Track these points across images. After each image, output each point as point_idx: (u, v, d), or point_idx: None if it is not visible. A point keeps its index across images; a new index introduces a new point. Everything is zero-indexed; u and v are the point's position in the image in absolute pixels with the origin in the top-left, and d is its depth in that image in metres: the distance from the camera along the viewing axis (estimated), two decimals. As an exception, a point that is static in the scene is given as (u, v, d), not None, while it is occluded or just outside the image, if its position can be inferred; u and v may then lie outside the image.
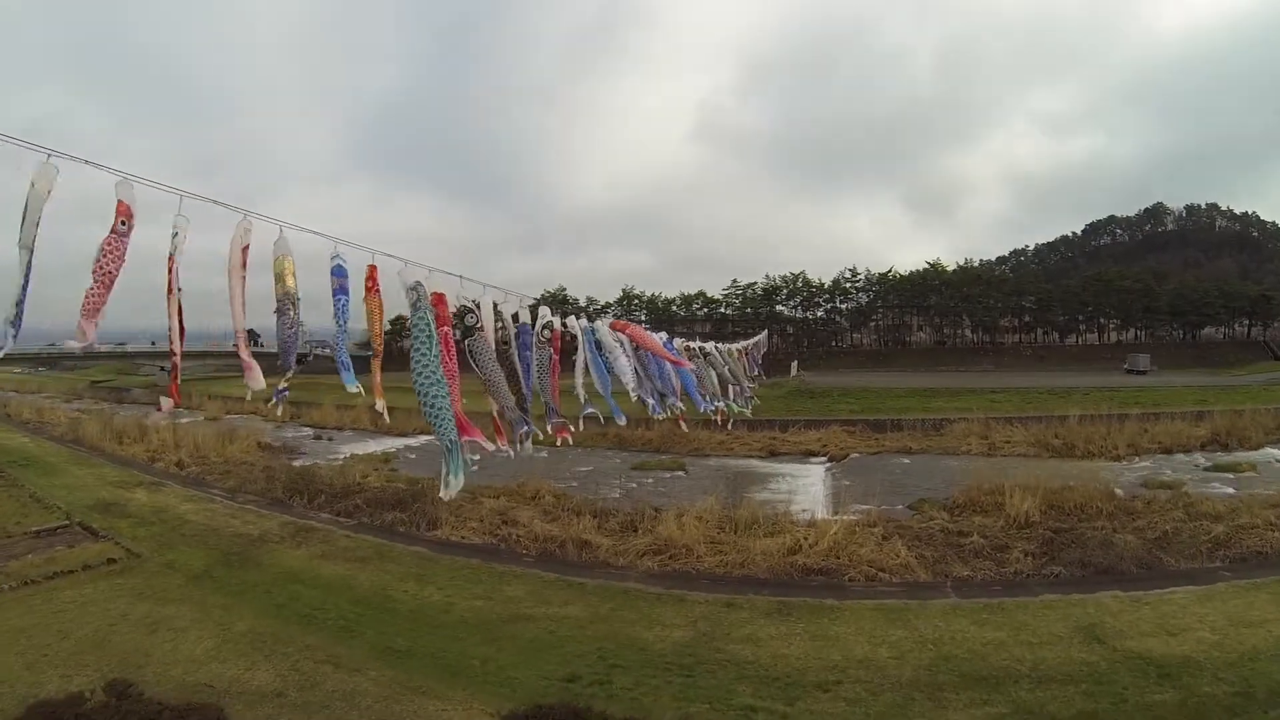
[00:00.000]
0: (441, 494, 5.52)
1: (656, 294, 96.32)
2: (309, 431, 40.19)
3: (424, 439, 36.51)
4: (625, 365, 8.21)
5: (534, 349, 6.90)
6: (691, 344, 13.12)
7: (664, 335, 10.99)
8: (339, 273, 5.31)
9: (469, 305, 6.05)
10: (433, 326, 5.28)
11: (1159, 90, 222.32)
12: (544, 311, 7.11)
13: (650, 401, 9.08)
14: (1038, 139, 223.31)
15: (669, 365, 9.62)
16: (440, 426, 5.34)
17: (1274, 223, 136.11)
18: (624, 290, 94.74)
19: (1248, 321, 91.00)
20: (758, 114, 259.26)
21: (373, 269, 5.44)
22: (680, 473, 26.50)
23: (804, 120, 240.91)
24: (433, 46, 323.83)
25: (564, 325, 7.53)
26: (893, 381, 52.09)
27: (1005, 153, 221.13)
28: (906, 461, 27.05)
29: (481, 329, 6.17)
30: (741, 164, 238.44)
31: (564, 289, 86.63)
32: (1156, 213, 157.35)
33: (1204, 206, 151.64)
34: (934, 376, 59.64)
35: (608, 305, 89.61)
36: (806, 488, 23.23)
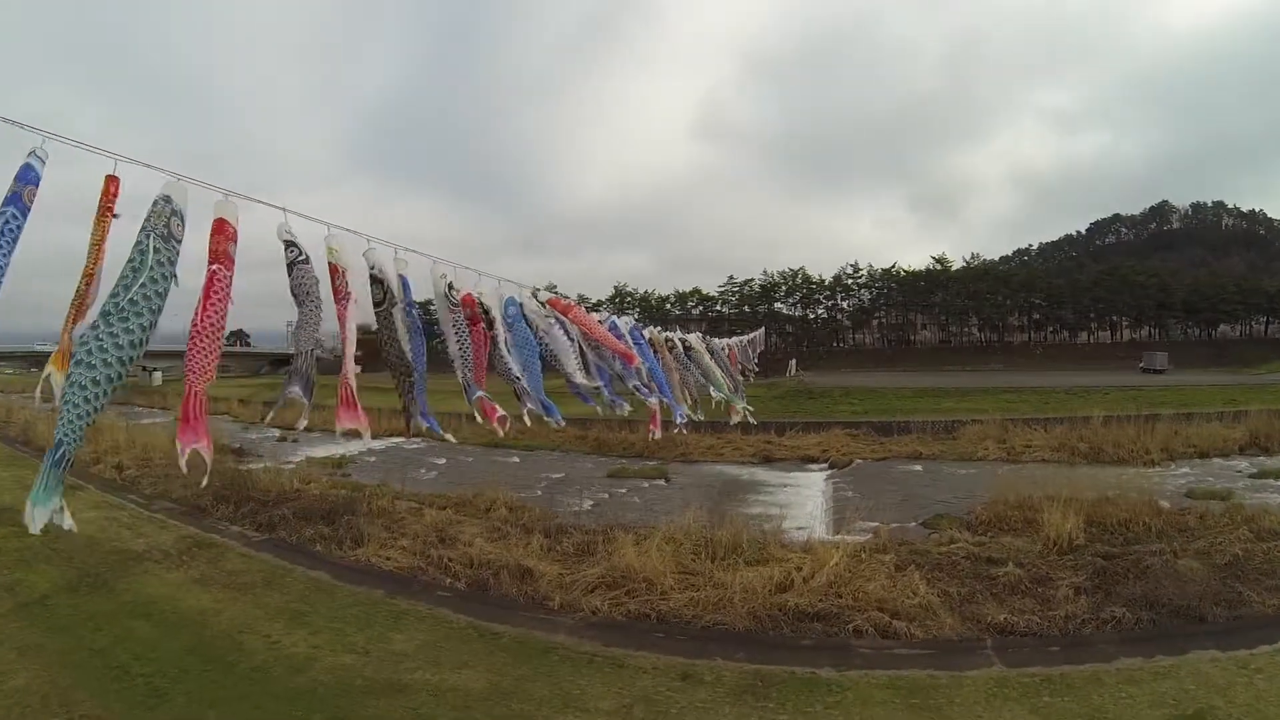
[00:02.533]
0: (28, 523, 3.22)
1: (650, 291, 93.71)
2: (275, 433, 37.85)
3: (393, 441, 34.70)
4: (567, 349, 6.99)
5: (449, 319, 6.01)
6: (669, 334, 11.00)
7: (630, 320, 8.88)
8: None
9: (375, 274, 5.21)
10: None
11: (1167, 86, 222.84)
12: (439, 271, 5.99)
13: (608, 396, 7.72)
14: (1044, 136, 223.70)
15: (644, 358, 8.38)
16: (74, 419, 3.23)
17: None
18: (616, 288, 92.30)
19: (1265, 319, 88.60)
20: (760, 111, 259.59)
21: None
22: (661, 481, 23.86)
23: (806, 118, 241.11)
24: (433, 46, 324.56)
25: (479, 298, 6.17)
26: (897, 381, 49.34)
27: (1011, 151, 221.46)
28: (917, 469, 24.33)
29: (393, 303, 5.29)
30: (743, 163, 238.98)
31: (554, 286, 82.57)
32: (1162, 211, 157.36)
33: (1210, 205, 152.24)
34: (941, 376, 57.05)
35: (600, 303, 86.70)
36: (803, 500, 20.54)
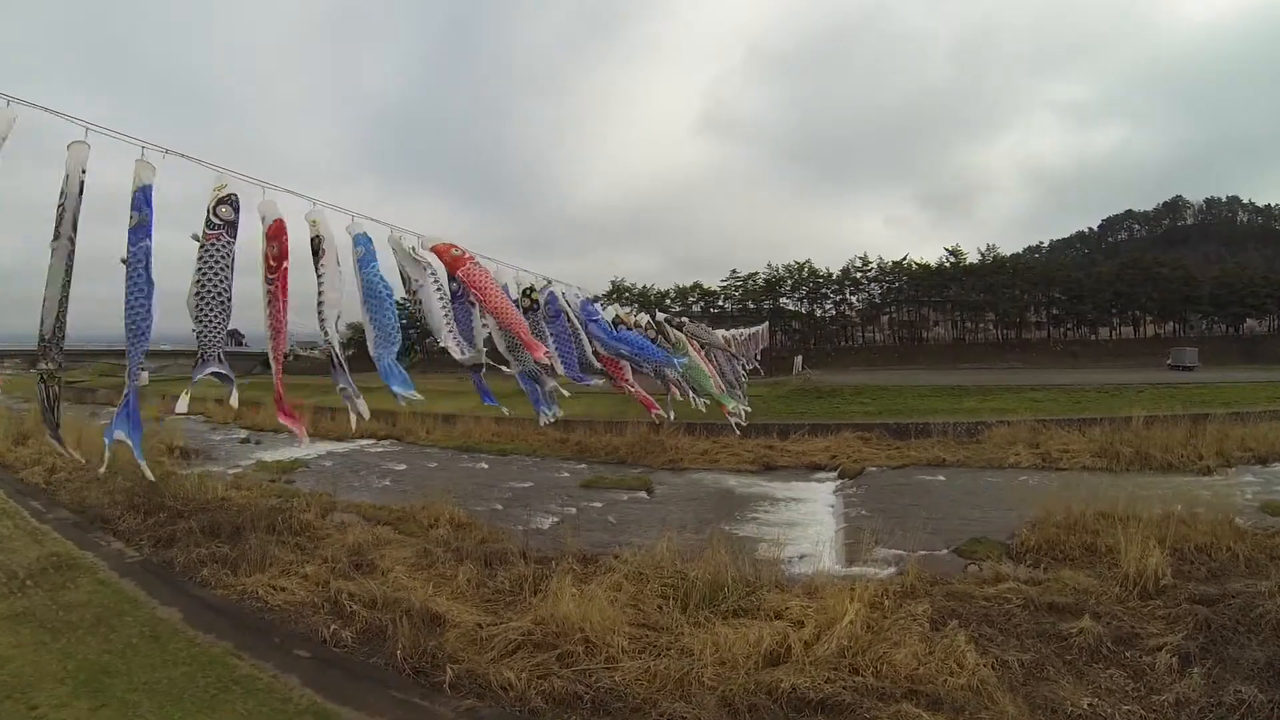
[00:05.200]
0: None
1: (649, 285, 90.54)
2: (242, 434, 37.14)
3: (359, 444, 33.40)
4: (435, 304, 5.40)
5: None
6: (638, 316, 9.17)
7: (579, 291, 7.58)
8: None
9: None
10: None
11: (1183, 79, 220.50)
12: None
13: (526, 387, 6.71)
14: (1057, 131, 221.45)
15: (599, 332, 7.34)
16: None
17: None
18: (613, 283, 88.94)
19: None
20: (767, 107, 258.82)
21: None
22: (643, 493, 20.94)
23: (814, 114, 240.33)
24: (437, 44, 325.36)
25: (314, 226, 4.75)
26: (911, 379, 46.23)
27: (1023, 146, 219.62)
28: (940, 478, 21.31)
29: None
30: (750, 161, 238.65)
31: (597, 296, 78.67)
32: (1175, 207, 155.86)
33: (1225, 200, 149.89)
34: (957, 374, 53.96)
35: (596, 299, 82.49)
36: (808, 518, 17.57)
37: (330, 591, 10.87)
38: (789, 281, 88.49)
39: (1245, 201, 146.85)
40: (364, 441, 34.13)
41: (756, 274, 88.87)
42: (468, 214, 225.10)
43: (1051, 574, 11.19)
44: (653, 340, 8.98)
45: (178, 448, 29.31)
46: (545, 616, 9.00)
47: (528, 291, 6.70)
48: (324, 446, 32.07)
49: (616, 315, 8.61)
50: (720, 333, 14.99)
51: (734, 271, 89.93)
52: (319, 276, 4.72)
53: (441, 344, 5.42)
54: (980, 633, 8.51)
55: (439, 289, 5.40)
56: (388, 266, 5.25)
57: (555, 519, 17.87)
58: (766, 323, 42.14)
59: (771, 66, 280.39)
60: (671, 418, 9.54)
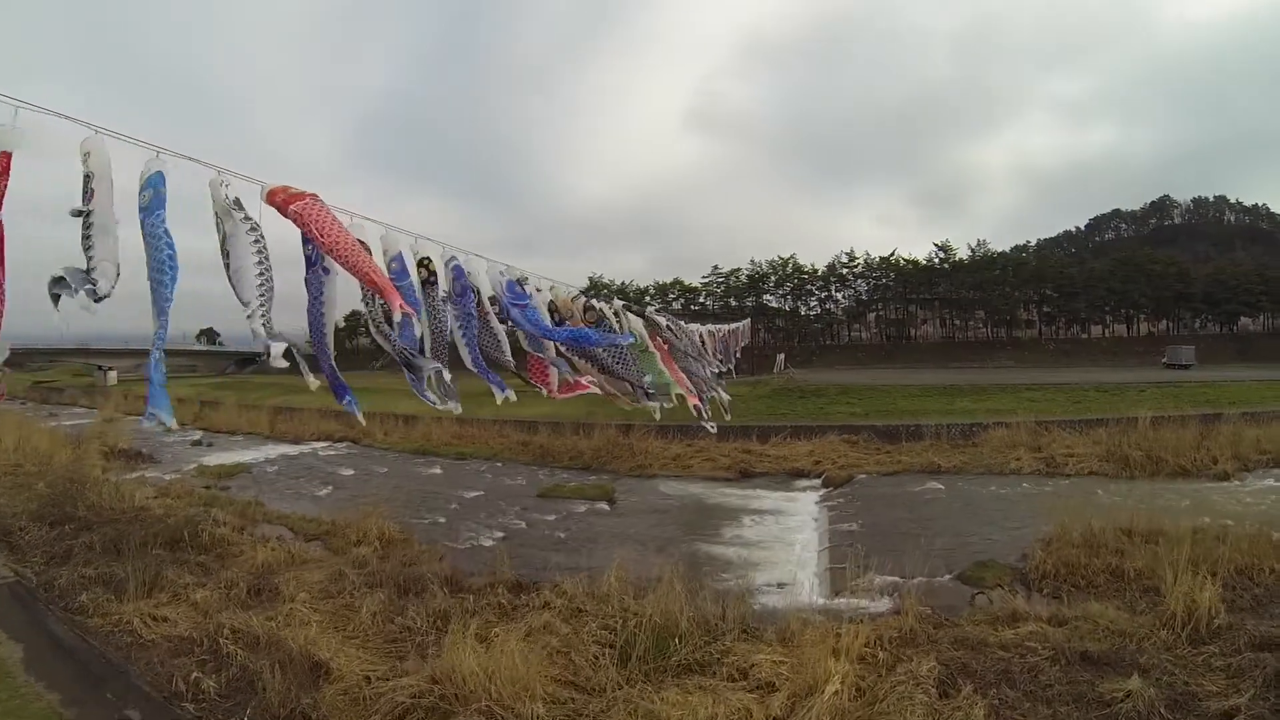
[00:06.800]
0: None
1: (628, 281, 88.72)
2: (197, 435, 36.07)
3: (312, 447, 32.31)
4: (248, 262, 4.23)
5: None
6: (578, 299, 7.95)
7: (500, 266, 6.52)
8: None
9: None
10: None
11: (1177, 78, 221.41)
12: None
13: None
14: (1051, 129, 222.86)
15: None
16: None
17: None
18: (591, 279, 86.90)
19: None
20: (760, 105, 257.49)
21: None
22: (603, 504, 19.11)
23: (807, 111, 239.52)
24: (427, 42, 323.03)
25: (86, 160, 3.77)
26: (900, 378, 44.67)
27: (1018, 145, 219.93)
28: (937, 486, 19.52)
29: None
30: (742, 160, 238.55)
31: (526, 277, 76.97)
32: (1163, 206, 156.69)
33: (1212, 199, 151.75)
34: (947, 373, 52.57)
35: (523, 280, 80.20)
36: (788, 535, 15.80)
37: (210, 628, 9.15)
38: (773, 278, 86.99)
39: (1233, 201, 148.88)
40: (319, 444, 32.86)
41: (739, 270, 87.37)
42: (458, 213, 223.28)
43: (1077, 609, 9.46)
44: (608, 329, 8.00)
45: (121, 450, 28.13)
46: (445, 672, 7.18)
47: (424, 262, 5.62)
48: (276, 449, 31.09)
49: (552, 301, 7.53)
50: (695, 327, 13.60)
51: (716, 267, 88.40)
52: (85, 227, 3.71)
53: (249, 321, 4.13)
54: (1001, 698, 6.77)
55: (257, 245, 4.21)
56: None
57: (500, 534, 16.16)
58: (749, 319, 40.51)
59: (766, 62, 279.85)
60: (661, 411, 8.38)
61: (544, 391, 7.10)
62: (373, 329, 5.08)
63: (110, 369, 72.63)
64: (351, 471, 25.82)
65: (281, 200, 4.26)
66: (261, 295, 4.14)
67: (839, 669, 6.86)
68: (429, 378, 5.30)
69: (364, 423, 5.92)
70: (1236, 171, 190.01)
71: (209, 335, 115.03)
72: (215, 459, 28.17)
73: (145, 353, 3.81)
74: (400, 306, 4.43)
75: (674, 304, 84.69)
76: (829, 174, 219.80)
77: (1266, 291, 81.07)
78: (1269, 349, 69.26)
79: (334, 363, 5.00)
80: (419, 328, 5.23)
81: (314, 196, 4.34)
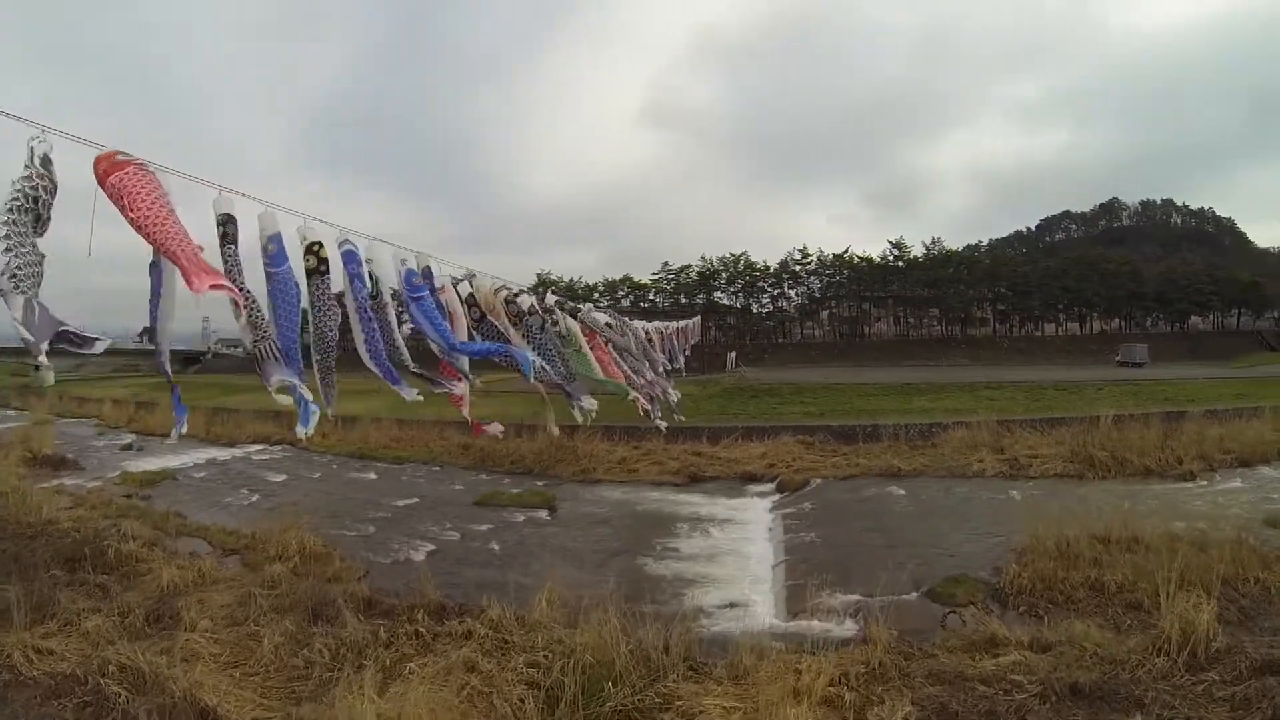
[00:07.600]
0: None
1: (577, 278, 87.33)
2: (128, 439, 34.07)
3: (246, 451, 30.66)
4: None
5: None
6: (523, 294, 7.92)
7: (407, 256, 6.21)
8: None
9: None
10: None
11: (1129, 84, 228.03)
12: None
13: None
14: (1005, 132, 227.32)
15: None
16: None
17: (1230, 219, 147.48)
18: (539, 275, 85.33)
19: (1238, 311, 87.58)
20: (714, 101, 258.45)
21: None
22: (543, 513, 17.92)
23: (762, 107, 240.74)
24: (383, 38, 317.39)
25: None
26: (855, 376, 44.21)
27: (971, 146, 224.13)
28: (898, 491, 18.54)
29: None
30: (695, 156, 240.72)
31: (473, 274, 75.17)
32: (1112, 208, 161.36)
33: (1159, 202, 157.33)
34: (903, 371, 52.54)
35: (519, 293, 79.13)
36: (740, 547, 14.70)
37: (95, 664, 7.97)
38: (724, 275, 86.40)
39: (1180, 204, 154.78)
40: (253, 447, 31.06)
41: (690, 267, 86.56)
42: (410, 210, 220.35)
43: (1060, 630, 8.57)
44: (540, 327, 7.83)
45: (45, 457, 26.16)
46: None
47: (314, 247, 5.22)
48: (207, 453, 29.20)
49: (472, 294, 7.36)
50: (641, 324, 13.11)
51: (666, 263, 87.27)
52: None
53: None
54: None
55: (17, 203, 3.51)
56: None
57: (431, 546, 14.92)
58: (699, 317, 39.69)
59: (721, 59, 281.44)
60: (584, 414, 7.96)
61: (452, 390, 6.68)
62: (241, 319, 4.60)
63: (49, 368, 68.90)
64: (283, 478, 24.29)
65: (104, 170, 3.74)
66: (19, 283, 3.38)
67: (800, 717, 5.84)
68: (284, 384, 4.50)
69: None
70: (1183, 175, 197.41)
71: (150, 334, 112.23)
72: (142, 465, 26.55)
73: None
74: (214, 288, 3.78)
75: (623, 300, 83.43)
76: (784, 172, 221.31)
77: (1216, 291, 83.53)
78: (1218, 347, 70.92)
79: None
80: (244, 315, 4.56)
81: (140, 165, 3.85)
